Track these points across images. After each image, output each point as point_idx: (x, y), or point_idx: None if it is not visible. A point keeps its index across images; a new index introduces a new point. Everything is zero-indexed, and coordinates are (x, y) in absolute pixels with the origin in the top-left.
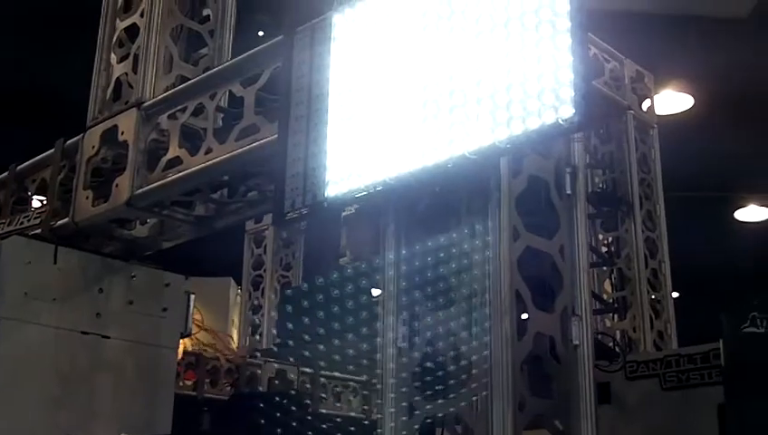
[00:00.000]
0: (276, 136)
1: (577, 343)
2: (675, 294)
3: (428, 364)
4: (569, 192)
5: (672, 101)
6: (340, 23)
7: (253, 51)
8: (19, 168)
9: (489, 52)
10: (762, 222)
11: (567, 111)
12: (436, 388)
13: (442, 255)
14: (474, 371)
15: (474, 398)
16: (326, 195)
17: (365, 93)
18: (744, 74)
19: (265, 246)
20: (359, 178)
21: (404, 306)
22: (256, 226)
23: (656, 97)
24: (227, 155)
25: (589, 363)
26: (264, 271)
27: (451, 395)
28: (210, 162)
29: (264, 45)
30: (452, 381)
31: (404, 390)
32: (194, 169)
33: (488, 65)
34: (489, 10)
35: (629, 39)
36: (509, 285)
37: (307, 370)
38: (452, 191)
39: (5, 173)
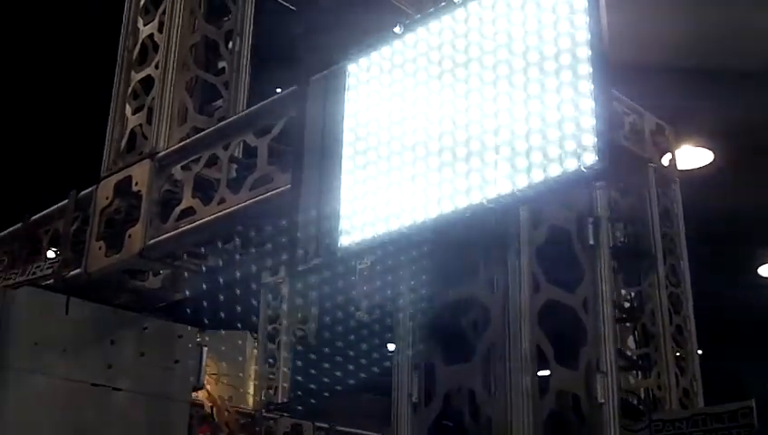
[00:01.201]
0: (290, 186)
1: (602, 401)
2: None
3: (444, 422)
4: (592, 243)
5: (693, 155)
6: (354, 71)
7: (266, 101)
8: (33, 218)
9: (507, 98)
10: None
11: (590, 158)
12: None
13: (459, 307)
14: (493, 430)
15: None
16: (339, 245)
17: (379, 141)
18: (761, 128)
19: (281, 299)
20: (373, 228)
21: (419, 361)
22: (273, 278)
23: (677, 151)
24: (240, 205)
25: (615, 423)
26: (280, 324)
27: None
28: (223, 212)
29: (278, 96)
30: None
31: None
32: (207, 219)
33: (507, 111)
34: (507, 56)
35: (651, 93)
36: (529, 340)
37: (323, 425)
38: (470, 241)
39: (19, 224)
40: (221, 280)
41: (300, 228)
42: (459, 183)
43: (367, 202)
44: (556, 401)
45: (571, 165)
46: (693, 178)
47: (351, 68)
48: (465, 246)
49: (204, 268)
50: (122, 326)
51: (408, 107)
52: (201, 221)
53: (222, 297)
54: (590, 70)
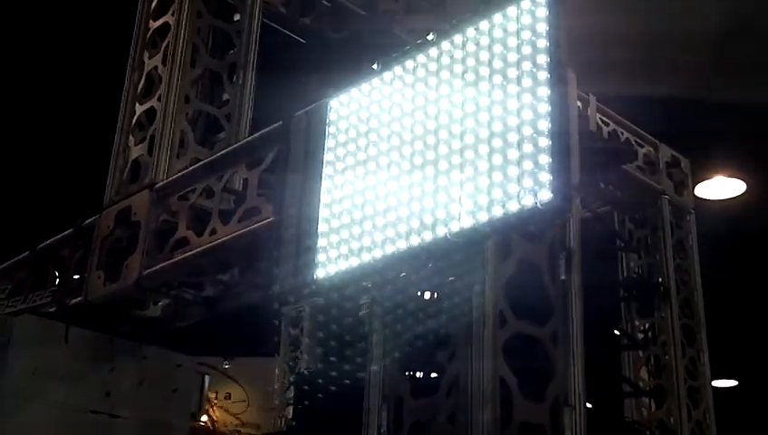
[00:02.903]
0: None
1: (569, 434)
2: (733, 383)
3: None
4: (563, 277)
5: (724, 186)
6: (336, 106)
7: (256, 135)
8: (40, 246)
9: (472, 136)
10: None
11: (545, 195)
12: None
13: (429, 340)
14: None
15: None
16: (315, 277)
17: (354, 176)
18: None
19: (302, 328)
20: (346, 261)
21: (389, 392)
22: (293, 307)
23: (708, 182)
24: (229, 236)
25: None
26: (301, 352)
27: None
28: (213, 243)
29: (267, 129)
30: None
31: None
32: (198, 249)
33: (471, 148)
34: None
35: (671, 125)
36: (492, 373)
37: None
38: (438, 274)
39: (26, 252)
40: (217, 309)
41: (280, 260)
42: (426, 218)
43: (341, 235)
44: (519, 433)
45: (528, 202)
46: (724, 207)
47: (333, 103)
48: (433, 278)
49: (202, 297)
50: (121, 354)
51: (380, 143)
52: (193, 251)
53: (244, 325)
54: (549, 108)
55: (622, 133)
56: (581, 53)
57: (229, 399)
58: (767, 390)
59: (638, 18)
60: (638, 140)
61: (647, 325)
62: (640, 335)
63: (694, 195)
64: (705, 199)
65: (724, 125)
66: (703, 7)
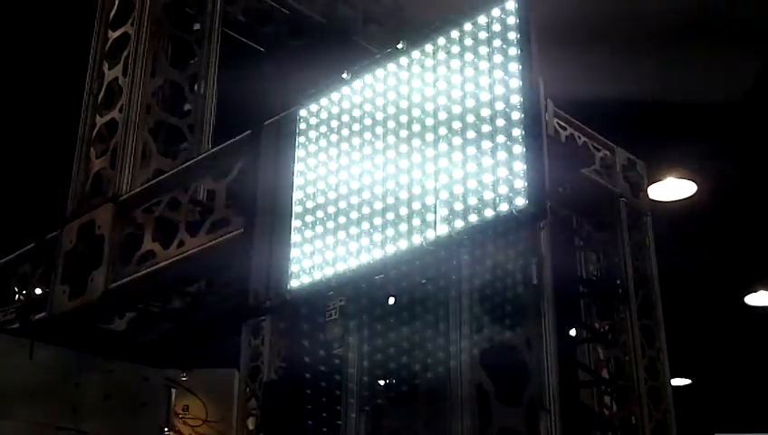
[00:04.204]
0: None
1: None
2: (687, 381)
3: None
4: (535, 282)
5: (676, 187)
6: (305, 116)
7: (223, 145)
8: (2, 261)
9: (445, 145)
10: None
11: (521, 202)
12: None
13: (404, 349)
14: None
15: None
16: (289, 288)
17: (327, 186)
18: (743, 159)
19: (263, 338)
20: (320, 271)
21: (366, 400)
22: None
23: (659, 184)
24: (198, 248)
25: None
26: (262, 362)
27: None
28: (181, 256)
29: (234, 140)
30: None
31: None
32: (166, 262)
33: (444, 157)
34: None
35: (625, 128)
36: (469, 380)
37: None
38: (413, 283)
39: None
40: (184, 322)
41: (251, 272)
42: (401, 226)
43: (315, 245)
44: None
45: (504, 208)
46: (677, 208)
47: (302, 112)
48: (408, 287)
49: (169, 310)
50: (87, 370)
51: (355, 152)
52: (160, 265)
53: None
54: (521, 115)
55: (579, 137)
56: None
57: (187, 411)
58: (720, 388)
59: (589, 22)
60: (594, 144)
61: (606, 327)
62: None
63: (649, 198)
64: (658, 201)
65: (673, 127)
66: (653, 9)
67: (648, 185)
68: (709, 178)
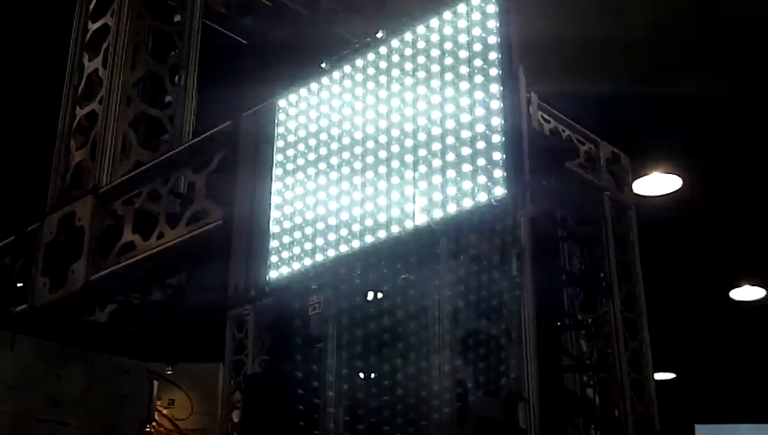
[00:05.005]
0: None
1: (524, 426)
2: (671, 375)
3: None
4: (515, 274)
5: (662, 182)
6: (284, 106)
7: (203, 136)
8: None
9: (425, 133)
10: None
11: (499, 192)
12: None
13: (383, 339)
14: None
15: None
16: (268, 278)
17: (305, 176)
18: (729, 154)
19: (247, 331)
20: (299, 262)
21: (344, 392)
22: (238, 309)
23: (645, 179)
24: (178, 240)
25: None
26: (246, 355)
27: None
28: (161, 247)
29: (214, 131)
30: None
31: None
32: (145, 254)
33: (423, 146)
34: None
35: (610, 122)
36: (447, 371)
37: None
38: (392, 273)
39: None
40: (165, 314)
41: (231, 263)
42: (380, 216)
43: (294, 235)
44: (476, 428)
45: (483, 198)
46: (662, 203)
47: (281, 103)
48: (386, 277)
49: (149, 302)
50: (69, 362)
51: (330, 142)
52: (140, 256)
53: (188, 330)
54: (501, 103)
55: (564, 131)
56: (520, 53)
57: (173, 405)
58: (704, 382)
59: (573, 16)
60: (579, 138)
61: (590, 320)
62: (583, 332)
63: (633, 192)
64: (643, 196)
65: (659, 122)
66: (637, 4)
67: (634, 180)
68: (695, 173)
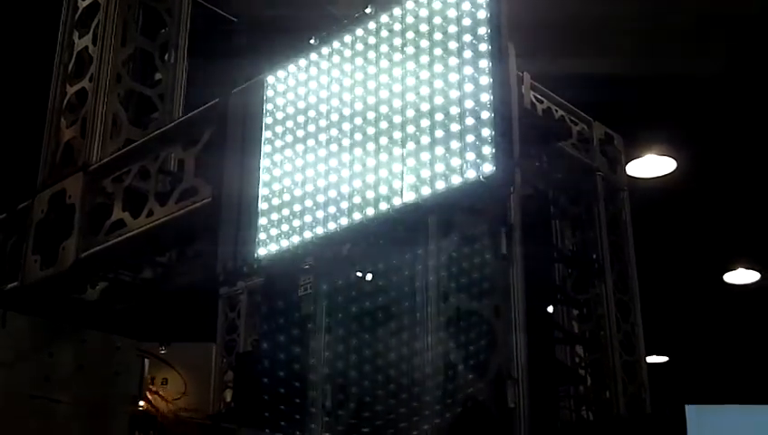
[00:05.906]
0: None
1: (513, 405)
2: (664, 359)
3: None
4: (504, 252)
5: (656, 164)
6: (272, 83)
7: (192, 114)
8: None
9: (413, 110)
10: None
11: (488, 168)
12: None
13: (372, 318)
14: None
15: None
16: (257, 256)
17: (293, 153)
18: (723, 136)
19: (239, 311)
20: (287, 239)
21: (336, 373)
22: (230, 289)
23: (639, 161)
24: (167, 217)
25: (525, 426)
26: (238, 335)
27: None
28: (151, 225)
29: (203, 108)
30: None
31: None
32: (135, 231)
33: (412, 123)
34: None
35: (604, 104)
36: (436, 348)
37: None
38: (381, 251)
39: None
40: (156, 292)
41: (219, 240)
42: (368, 193)
43: (282, 213)
44: (464, 406)
45: (471, 175)
46: (657, 185)
47: (270, 79)
48: (375, 255)
49: (140, 280)
50: (60, 339)
51: (319, 119)
52: (130, 234)
53: (180, 308)
54: (490, 79)
55: (556, 111)
56: (513, 31)
57: (166, 384)
58: (697, 366)
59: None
60: (572, 118)
61: (582, 301)
62: (575, 311)
63: (626, 173)
64: (637, 178)
65: (654, 104)
66: None
67: (628, 162)
68: (689, 156)
